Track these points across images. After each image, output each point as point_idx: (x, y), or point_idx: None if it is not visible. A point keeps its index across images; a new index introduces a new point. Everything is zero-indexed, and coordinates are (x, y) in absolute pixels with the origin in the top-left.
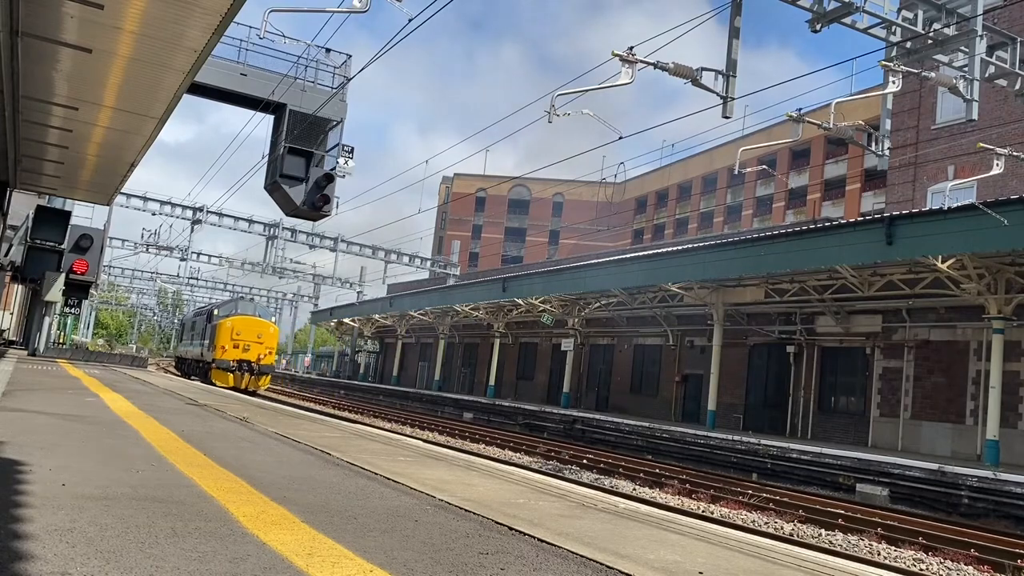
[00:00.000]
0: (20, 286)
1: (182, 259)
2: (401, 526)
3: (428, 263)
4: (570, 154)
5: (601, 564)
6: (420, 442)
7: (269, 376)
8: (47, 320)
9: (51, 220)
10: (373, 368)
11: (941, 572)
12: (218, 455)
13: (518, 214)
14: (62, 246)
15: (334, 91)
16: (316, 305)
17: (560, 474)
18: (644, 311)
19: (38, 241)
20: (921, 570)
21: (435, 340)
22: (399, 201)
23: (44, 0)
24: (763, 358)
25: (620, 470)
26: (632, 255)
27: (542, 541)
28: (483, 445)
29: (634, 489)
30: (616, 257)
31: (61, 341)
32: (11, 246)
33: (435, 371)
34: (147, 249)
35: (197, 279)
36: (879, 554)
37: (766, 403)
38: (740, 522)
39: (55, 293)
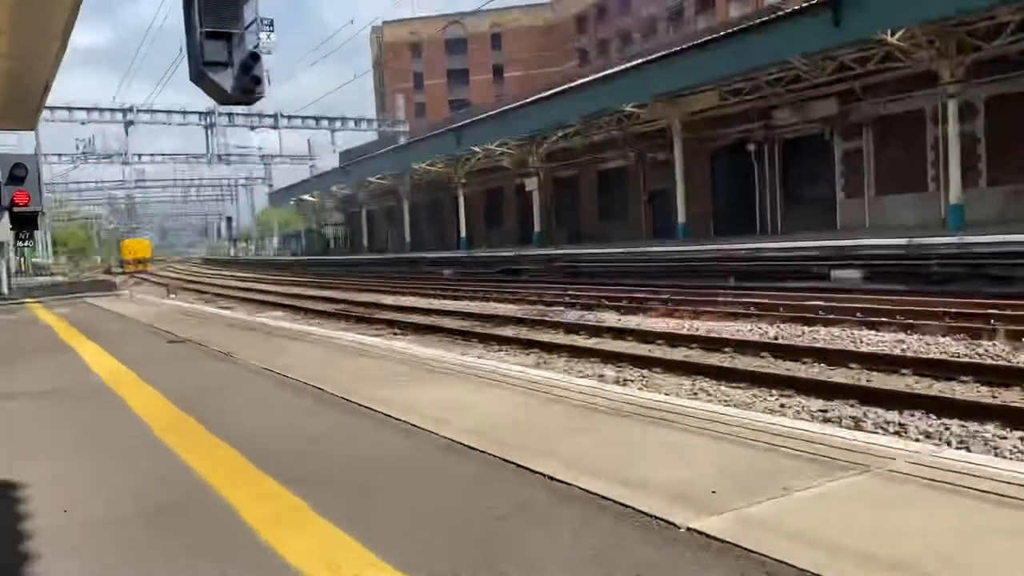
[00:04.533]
0: None
1: (124, 163)
2: (413, 489)
3: (375, 124)
4: None
5: (616, 503)
6: (414, 346)
7: (148, 264)
8: (3, 261)
9: None
10: (343, 240)
11: (921, 348)
12: (212, 421)
13: (457, 54)
14: None
15: None
16: (271, 186)
17: (550, 319)
18: (602, 135)
19: None
20: (903, 350)
21: (398, 202)
22: (332, 65)
23: None
24: (726, 162)
25: (603, 301)
26: (580, 82)
27: (554, 480)
28: (467, 301)
29: (619, 320)
30: (565, 87)
31: (23, 268)
32: None
33: (405, 233)
34: (86, 159)
35: (144, 180)
36: (861, 341)
37: (733, 205)
38: (726, 334)
39: (3, 232)
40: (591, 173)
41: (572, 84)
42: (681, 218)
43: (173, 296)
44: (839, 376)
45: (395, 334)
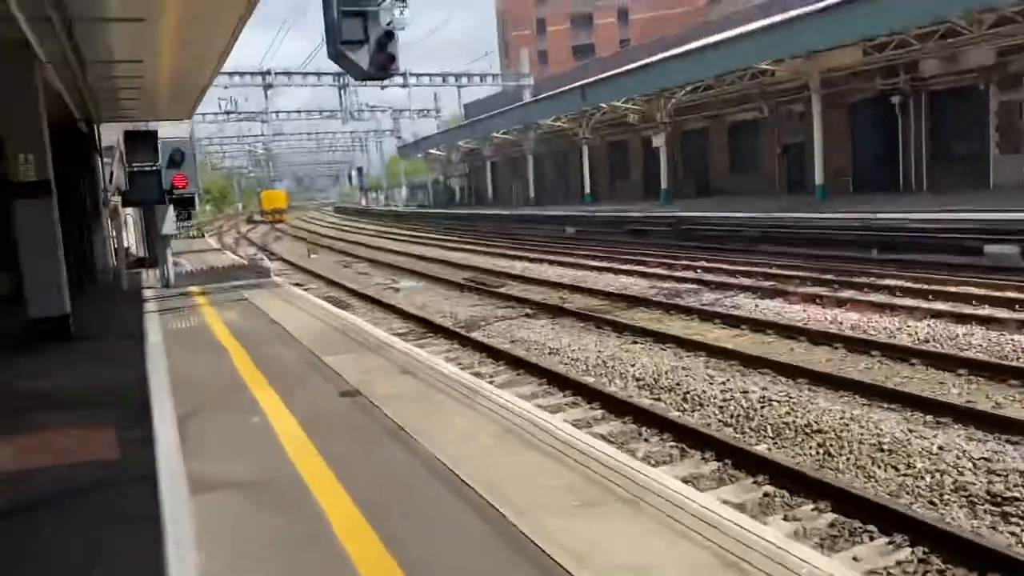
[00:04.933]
0: (132, 209)
1: (263, 121)
2: None
3: (499, 79)
4: None
5: None
6: (585, 438)
7: (285, 216)
8: (169, 251)
9: (141, 142)
10: (468, 192)
11: None
12: None
13: None
14: (157, 164)
15: None
16: (399, 138)
17: (682, 302)
18: (734, 89)
19: (134, 165)
20: None
21: (522, 155)
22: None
23: None
24: (867, 115)
25: (738, 276)
26: (711, 40)
27: None
28: (595, 272)
29: (756, 306)
30: (696, 45)
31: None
32: (112, 173)
33: (529, 186)
34: (228, 117)
35: (281, 134)
36: None
37: (875, 160)
38: (871, 331)
39: (169, 226)
40: (721, 125)
41: (702, 43)
42: (819, 178)
43: (314, 256)
44: (999, 394)
45: (527, 315)
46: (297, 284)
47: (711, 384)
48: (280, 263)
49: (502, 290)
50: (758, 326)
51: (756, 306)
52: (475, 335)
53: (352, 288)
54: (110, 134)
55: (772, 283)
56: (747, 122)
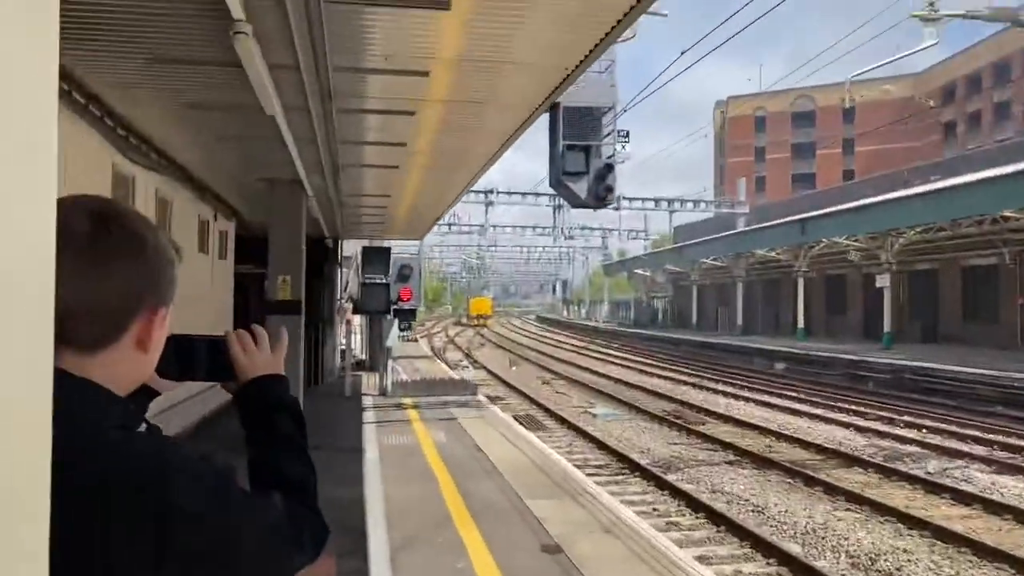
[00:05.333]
0: (360, 316)
1: (480, 235)
2: None
3: (713, 205)
4: (862, 58)
5: None
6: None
7: (489, 322)
8: (390, 363)
9: (375, 256)
10: (671, 314)
11: None
12: None
13: (803, 127)
14: (388, 279)
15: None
16: (606, 255)
17: (904, 467)
18: (971, 232)
19: (367, 278)
20: None
21: (732, 281)
22: (668, 131)
23: (353, 149)
24: None
25: (969, 442)
26: (951, 183)
27: None
28: (806, 419)
29: (992, 483)
30: (930, 187)
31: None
32: (348, 282)
33: (736, 315)
34: (449, 228)
35: (495, 246)
36: None
37: None
38: None
39: (392, 339)
40: (954, 268)
41: (938, 186)
42: None
43: (515, 368)
44: None
45: (729, 462)
46: (498, 397)
47: (937, 575)
48: (484, 373)
49: (703, 428)
50: (994, 508)
51: (992, 483)
52: (673, 478)
53: (550, 408)
54: (349, 245)
55: (1012, 456)
56: (984, 267)
